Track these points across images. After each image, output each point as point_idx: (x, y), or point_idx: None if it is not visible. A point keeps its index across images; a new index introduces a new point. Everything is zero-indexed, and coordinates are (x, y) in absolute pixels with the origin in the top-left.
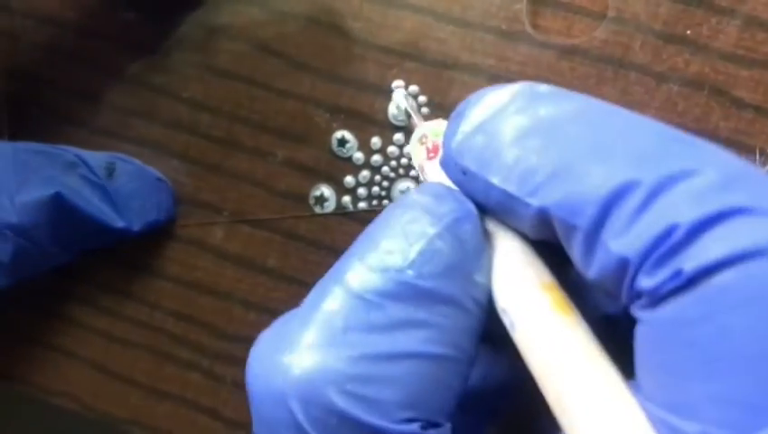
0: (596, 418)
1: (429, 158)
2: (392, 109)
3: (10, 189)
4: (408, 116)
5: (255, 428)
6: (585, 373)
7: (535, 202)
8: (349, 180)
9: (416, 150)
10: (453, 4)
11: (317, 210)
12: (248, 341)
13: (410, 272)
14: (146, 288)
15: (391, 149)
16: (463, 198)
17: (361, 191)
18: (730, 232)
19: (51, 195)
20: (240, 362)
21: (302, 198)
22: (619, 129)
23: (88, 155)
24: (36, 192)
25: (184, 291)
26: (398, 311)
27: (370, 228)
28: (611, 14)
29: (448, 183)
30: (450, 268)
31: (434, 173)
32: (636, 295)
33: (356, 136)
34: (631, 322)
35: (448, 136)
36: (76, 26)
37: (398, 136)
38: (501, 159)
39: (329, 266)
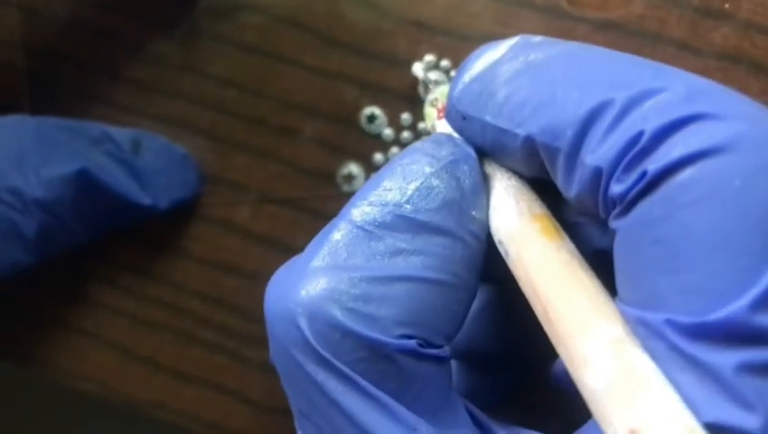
0: (577, 325)
1: (439, 117)
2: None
3: (35, 164)
4: (426, 87)
5: (271, 352)
6: (567, 288)
7: (522, 131)
8: (378, 157)
9: (428, 113)
10: None
11: (345, 188)
12: None
13: (407, 207)
14: (171, 269)
15: (422, 126)
16: (463, 143)
17: None
18: (690, 135)
19: (77, 170)
20: (266, 343)
21: (330, 176)
22: (598, 61)
23: (113, 130)
24: (61, 167)
25: (210, 272)
26: (395, 240)
27: (375, 174)
28: None
29: (454, 136)
30: (446, 204)
31: (442, 129)
32: (611, 204)
33: (385, 112)
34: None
35: (451, 89)
36: (99, 1)
37: (430, 112)
38: (495, 99)
39: None
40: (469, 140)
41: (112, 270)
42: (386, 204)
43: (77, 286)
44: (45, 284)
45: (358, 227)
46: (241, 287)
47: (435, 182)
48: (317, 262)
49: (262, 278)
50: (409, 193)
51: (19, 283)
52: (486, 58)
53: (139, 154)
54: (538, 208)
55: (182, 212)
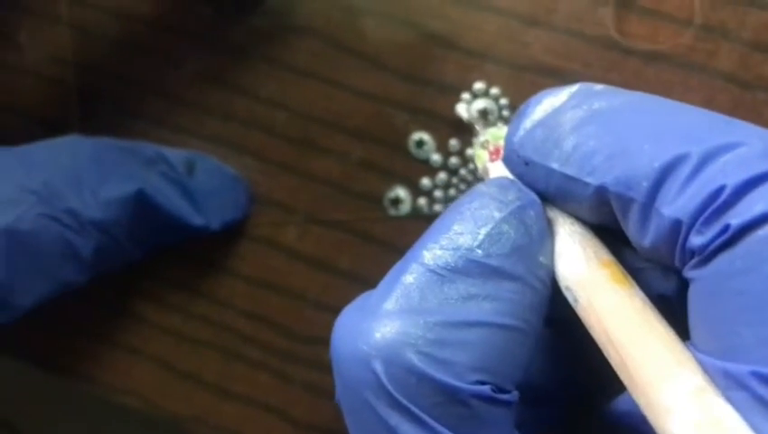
0: (657, 373)
1: (491, 160)
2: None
3: (92, 185)
4: (472, 127)
5: (338, 392)
6: (643, 335)
7: (593, 181)
8: (425, 182)
9: (479, 155)
10: (537, 7)
11: (392, 212)
12: (320, 342)
13: (479, 251)
14: (217, 287)
15: (470, 152)
16: (526, 188)
17: (438, 193)
18: None
19: (134, 192)
20: (310, 363)
21: (376, 200)
22: (668, 113)
23: (167, 151)
24: (118, 188)
25: (256, 290)
26: (468, 285)
27: (441, 217)
28: (697, 20)
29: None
30: (516, 250)
31: (497, 172)
32: (689, 255)
33: (434, 137)
34: (681, 300)
35: (511, 133)
36: (150, 20)
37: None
38: (561, 146)
39: None
40: (531, 185)
41: (159, 287)
42: (458, 248)
43: (123, 301)
44: (91, 299)
45: (430, 270)
46: (286, 307)
47: (505, 227)
48: (390, 305)
49: (307, 297)
50: (480, 237)
51: (65, 297)
52: (546, 104)
53: (193, 175)
54: (605, 254)
55: (230, 231)
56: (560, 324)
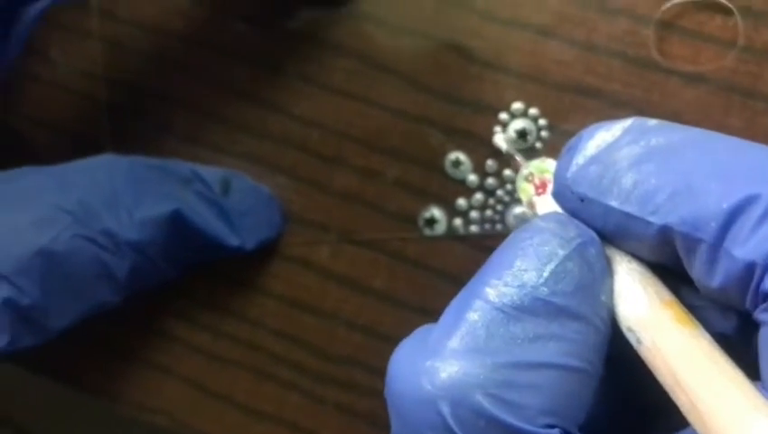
0: (730, 417)
1: (538, 194)
2: (499, 142)
3: (128, 205)
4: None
5: (396, 431)
6: (714, 377)
7: (657, 220)
8: (461, 202)
9: (523, 187)
10: (577, 26)
11: (427, 232)
12: (352, 362)
13: (544, 289)
14: (248, 305)
15: (507, 173)
16: (583, 225)
17: (474, 214)
18: None
19: (170, 212)
20: (342, 383)
21: (411, 219)
22: (730, 151)
23: (203, 170)
24: (155, 208)
25: (287, 309)
26: (534, 325)
27: (500, 252)
28: (741, 42)
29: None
30: (580, 288)
31: (545, 206)
32: (762, 297)
33: (470, 158)
34: (742, 339)
35: (562, 168)
36: (183, 36)
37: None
38: (620, 184)
39: (438, 289)
40: (586, 222)
41: (189, 306)
42: (523, 286)
43: (153, 320)
44: (121, 316)
45: (496, 309)
46: (318, 326)
47: (570, 265)
48: (455, 343)
49: (339, 317)
50: (546, 275)
51: (96, 315)
52: (599, 139)
53: (228, 194)
54: (666, 294)
55: (262, 250)
56: (614, 362)
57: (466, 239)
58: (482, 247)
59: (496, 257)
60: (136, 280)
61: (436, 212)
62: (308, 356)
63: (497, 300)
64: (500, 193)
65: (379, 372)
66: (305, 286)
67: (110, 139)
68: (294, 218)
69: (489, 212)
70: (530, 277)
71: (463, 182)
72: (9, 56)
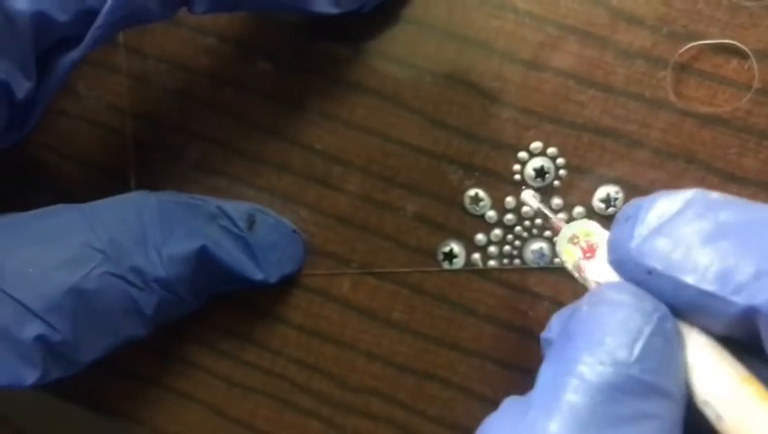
0: None
1: (586, 258)
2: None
3: (157, 241)
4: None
5: None
6: None
7: (742, 300)
8: (480, 238)
9: (567, 250)
10: (595, 68)
11: (445, 266)
12: (371, 392)
13: (637, 367)
14: (269, 334)
15: (525, 209)
16: (655, 298)
17: (492, 249)
18: None
19: (197, 249)
20: (361, 412)
21: (430, 253)
22: None
23: (228, 205)
24: (182, 245)
25: (308, 339)
26: (632, 404)
27: (582, 325)
28: (757, 84)
29: (614, 281)
30: (664, 364)
31: (597, 272)
32: None
33: (489, 194)
34: None
35: (623, 238)
36: (208, 73)
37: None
38: (694, 260)
39: (455, 321)
40: (652, 294)
41: (211, 333)
42: (616, 364)
43: (175, 346)
44: (143, 342)
45: (594, 388)
46: (338, 356)
47: (655, 341)
48: (556, 427)
49: (359, 348)
50: (636, 352)
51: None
52: (660, 210)
53: (253, 229)
54: (742, 369)
55: (284, 281)
56: None
57: (485, 273)
58: (499, 281)
59: (581, 329)
60: (163, 314)
61: (455, 246)
62: (328, 385)
63: (595, 379)
64: (518, 228)
65: (397, 401)
66: (326, 316)
67: (135, 173)
68: (315, 250)
69: (507, 247)
70: (623, 354)
71: (482, 217)
72: (41, 106)
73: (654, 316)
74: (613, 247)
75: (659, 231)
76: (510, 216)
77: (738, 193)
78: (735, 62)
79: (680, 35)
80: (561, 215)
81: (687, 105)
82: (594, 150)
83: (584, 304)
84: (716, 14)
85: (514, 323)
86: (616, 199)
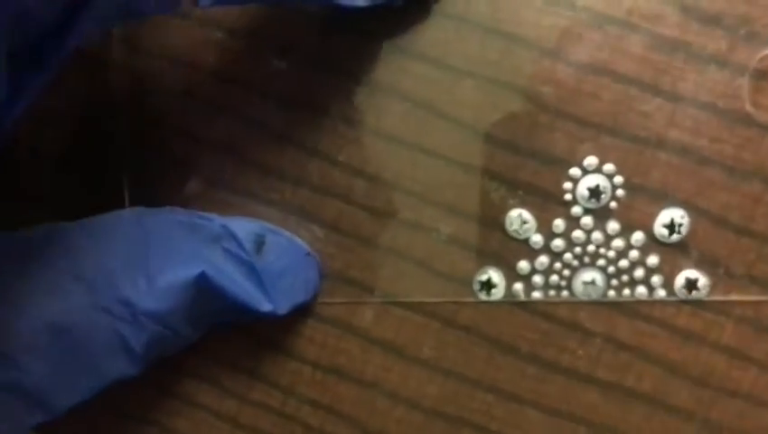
0: None
1: None
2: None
3: (148, 270)
4: None
5: None
6: None
7: None
8: (523, 265)
9: None
10: (663, 74)
11: (483, 296)
12: None
13: None
14: (279, 371)
15: (576, 234)
16: None
17: (537, 279)
18: None
19: (195, 276)
20: None
21: (466, 282)
22: None
23: (235, 224)
24: (178, 272)
25: (323, 377)
26: None
27: None
28: None
29: None
30: None
31: None
32: None
33: (535, 216)
34: None
35: None
36: (214, 71)
37: (587, 221)
38: None
39: (493, 361)
40: None
41: (214, 367)
42: None
43: (172, 382)
44: (138, 378)
45: None
46: (358, 397)
47: None
48: None
49: (381, 387)
50: None
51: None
52: None
53: (262, 253)
54: None
55: (296, 311)
56: None
57: (527, 306)
58: (545, 315)
59: None
60: (156, 350)
61: (494, 274)
62: (345, 430)
63: None
64: (567, 256)
65: None
66: (344, 351)
67: (129, 184)
68: (333, 275)
69: (555, 277)
70: None
71: (525, 242)
72: (21, 105)
73: None
74: None
75: None
76: (558, 241)
77: None
78: None
79: (761, 38)
80: (617, 242)
81: (766, 117)
82: (658, 168)
83: None
84: None
85: (561, 363)
86: (681, 225)
